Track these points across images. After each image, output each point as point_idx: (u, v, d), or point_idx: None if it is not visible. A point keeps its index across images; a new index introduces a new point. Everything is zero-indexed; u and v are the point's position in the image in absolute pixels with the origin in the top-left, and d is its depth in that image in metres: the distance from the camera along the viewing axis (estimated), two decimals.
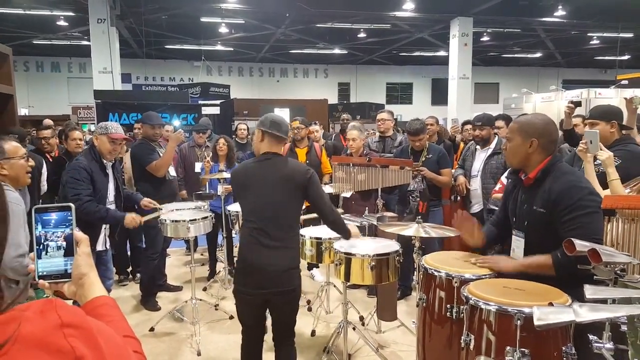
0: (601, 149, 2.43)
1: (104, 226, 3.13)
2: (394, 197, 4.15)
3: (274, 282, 2.22)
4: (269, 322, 2.40)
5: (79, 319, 0.60)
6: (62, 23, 13.01)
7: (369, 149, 4.41)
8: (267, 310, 2.36)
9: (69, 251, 0.88)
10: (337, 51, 17.92)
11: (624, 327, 1.36)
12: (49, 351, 0.55)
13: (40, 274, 0.87)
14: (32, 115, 12.34)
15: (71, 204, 0.89)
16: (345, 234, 2.50)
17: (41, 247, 0.86)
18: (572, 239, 1.50)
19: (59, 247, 0.87)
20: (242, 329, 2.42)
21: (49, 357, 0.55)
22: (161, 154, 4.00)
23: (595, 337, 1.37)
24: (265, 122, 2.33)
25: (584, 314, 1.25)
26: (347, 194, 4.09)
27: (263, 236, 2.23)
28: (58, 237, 0.87)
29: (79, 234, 0.89)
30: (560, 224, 1.81)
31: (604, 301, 1.39)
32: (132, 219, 3.08)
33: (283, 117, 2.48)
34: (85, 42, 14.21)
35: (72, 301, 0.90)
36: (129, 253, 4.80)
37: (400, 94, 21.96)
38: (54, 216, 0.87)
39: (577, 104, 3.70)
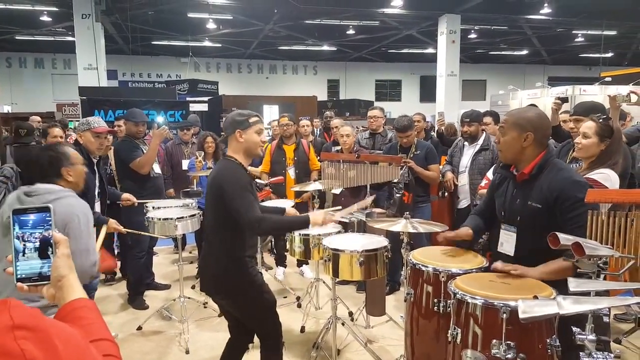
0: None
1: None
2: (383, 194, 4.16)
3: (206, 286, 2.33)
4: None
5: (34, 320, 0.57)
6: (45, 18, 12.74)
7: (359, 145, 4.42)
8: None
9: (48, 253, 0.85)
10: (326, 48, 17.88)
11: (606, 319, 1.39)
12: None
13: (18, 276, 0.84)
14: (16, 113, 12.10)
15: (50, 205, 0.86)
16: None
17: (19, 249, 0.84)
18: (557, 232, 1.52)
19: (36, 249, 0.84)
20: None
21: None
22: (145, 151, 3.96)
23: (579, 329, 1.40)
24: None
25: (568, 306, 1.27)
26: (337, 191, 4.09)
27: (205, 240, 2.35)
28: (36, 238, 0.84)
29: (58, 235, 0.86)
30: (565, 220, 1.79)
31: (587, 293, 1.42)
32: (114, 227, 3.02)
33: (240, 111, 2.31)
34: (69, 38, 13.94)
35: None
36: (115, 252, 4.75)
37: (389, 90, 22.03)
38: (32, 217, 0.84)
39: (564, 100, 3.74)
